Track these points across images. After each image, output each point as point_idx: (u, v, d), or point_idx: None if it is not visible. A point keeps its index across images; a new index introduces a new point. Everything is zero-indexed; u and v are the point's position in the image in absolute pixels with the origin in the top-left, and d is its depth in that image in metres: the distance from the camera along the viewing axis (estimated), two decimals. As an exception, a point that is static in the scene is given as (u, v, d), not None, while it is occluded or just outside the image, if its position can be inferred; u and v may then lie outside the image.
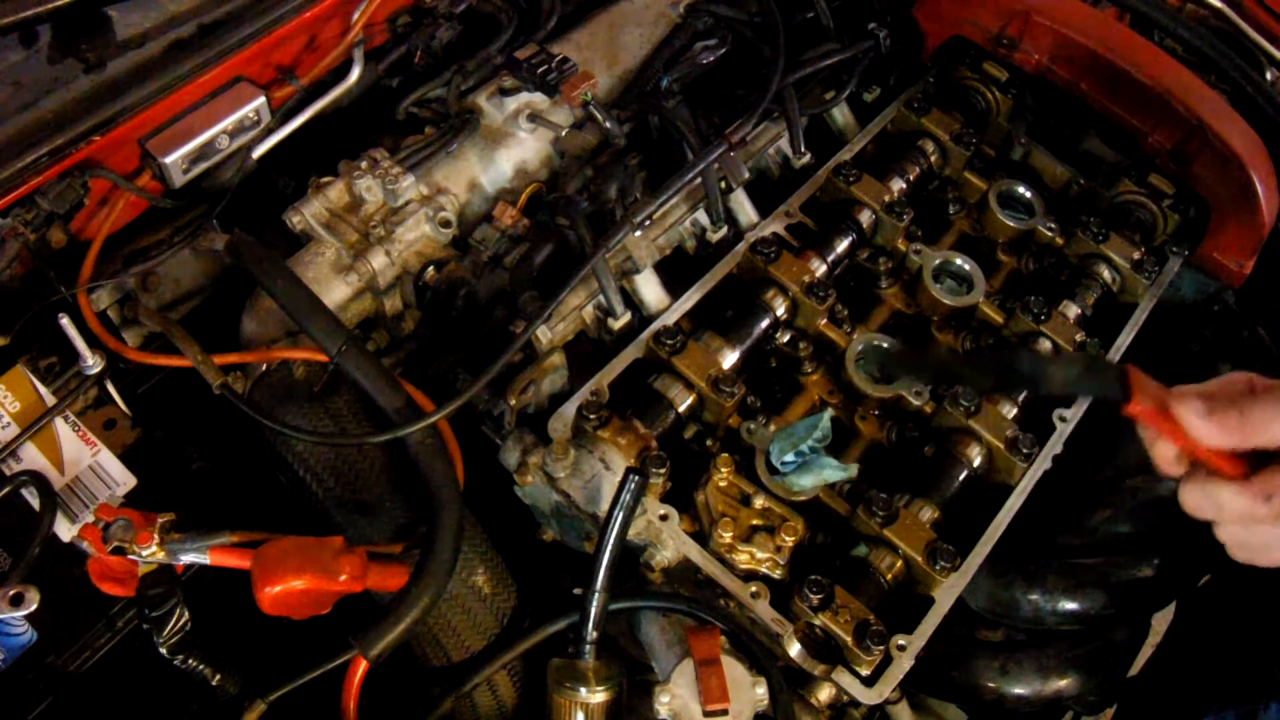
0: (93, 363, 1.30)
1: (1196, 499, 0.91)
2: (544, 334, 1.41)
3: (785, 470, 1.32)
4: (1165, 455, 0.93)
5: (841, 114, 1.85)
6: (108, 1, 1.38)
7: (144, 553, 1.09)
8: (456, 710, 1.25)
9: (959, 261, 1.61)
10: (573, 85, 1.54)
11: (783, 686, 1.17)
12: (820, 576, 1.23)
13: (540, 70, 1.55)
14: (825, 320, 1.51)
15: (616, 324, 1.47)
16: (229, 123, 1.40)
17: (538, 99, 1.62)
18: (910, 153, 1.74)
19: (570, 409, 1.34)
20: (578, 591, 1.17)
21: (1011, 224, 1.71)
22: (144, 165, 1.38)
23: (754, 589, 1.24)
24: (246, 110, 1.41)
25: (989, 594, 1.53)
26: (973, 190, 1.75)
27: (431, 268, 1.46)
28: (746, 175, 1.61)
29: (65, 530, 1.22)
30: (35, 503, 1.22)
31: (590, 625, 1.15)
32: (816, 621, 1.22)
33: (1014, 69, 1.80)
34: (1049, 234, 1.70)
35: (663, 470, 1.28)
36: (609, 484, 1.29)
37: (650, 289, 1.52)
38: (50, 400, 1.30)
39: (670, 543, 1.28)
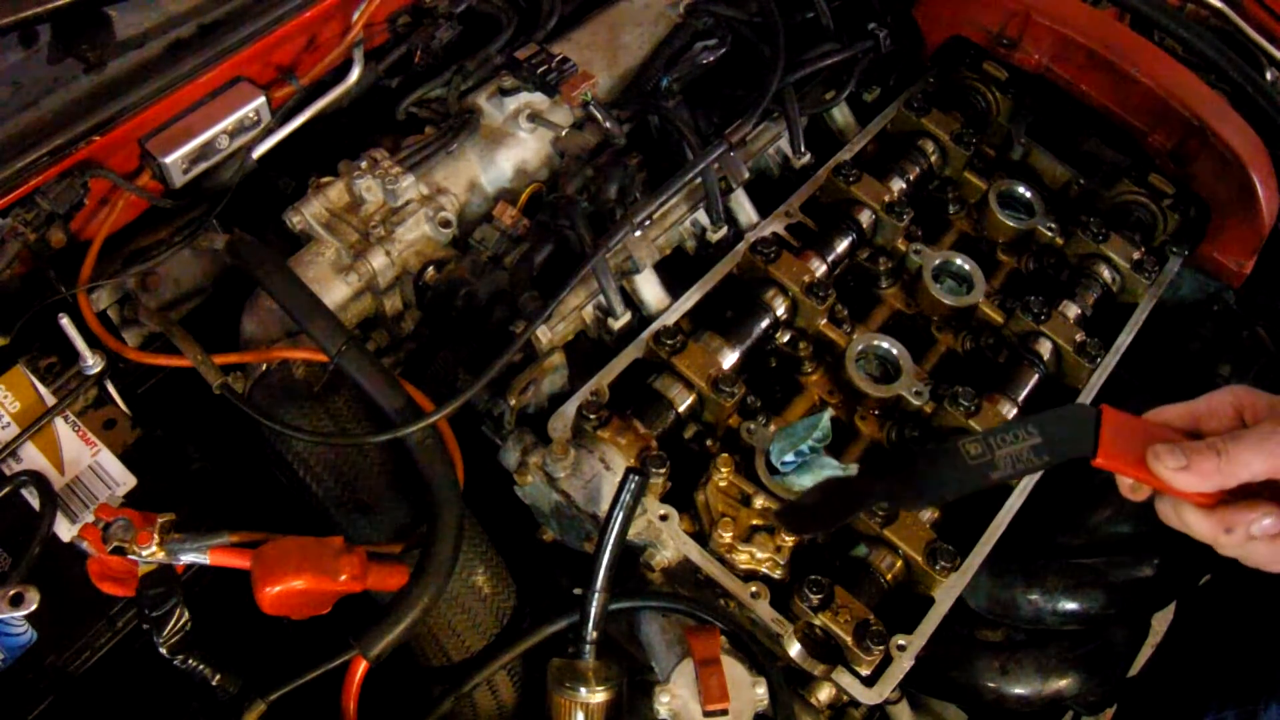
0: (93, 363, 1.30)
1: (1168, 514, 0.93)
2: (544, 334, 1.41)
3: (785, 470, 1.32)
4: (1124, 482, 0.95)
5: (841, 114, 1.85)
6: (108, 1, 1.38)
7: (144, 553, 1.09)
8: (456, 710, 1.25)
9: (959, 261, 1.61)
10: (573, 85, 1.54)
11: (783, 686, 1.17)
12: (820, 576, 1.23)
13: (540, 70, 1.55)
14: (825, 320, 1.51)
15: (616, 324, 1.47)
16: (229, 123, 1.40)
17: (538, 99, 1.62)
18: (910, 153, 1.74)
19: (570, 409, 1.34)
20: (578, 591, 1.17)
21: (1011, 224, 1.71)
22: (144, 165, 1.38)
23: (754, 589, 1.24)
24: (246, 110, 1.41)
25: (989, 594, 1.53)
26: (973, 190, 1.75)
27: (431, 268, 1.46)
28: (746, 175, 1.61)
29: (65, 530, 1.22)
30: (35, 503, 1.22)
31: (590, 625, 1.15)
32: (816, 621, 1.22)
33: (1014, 69, 1.80)
34: (1049, 234, 1.70)
35: (663, 470, 1.28)
36: (609, 484, 1.29)
37: (650, 289, 1.52)
38: (50, 400, 1.30)
39: (670, 543, 1.28)
